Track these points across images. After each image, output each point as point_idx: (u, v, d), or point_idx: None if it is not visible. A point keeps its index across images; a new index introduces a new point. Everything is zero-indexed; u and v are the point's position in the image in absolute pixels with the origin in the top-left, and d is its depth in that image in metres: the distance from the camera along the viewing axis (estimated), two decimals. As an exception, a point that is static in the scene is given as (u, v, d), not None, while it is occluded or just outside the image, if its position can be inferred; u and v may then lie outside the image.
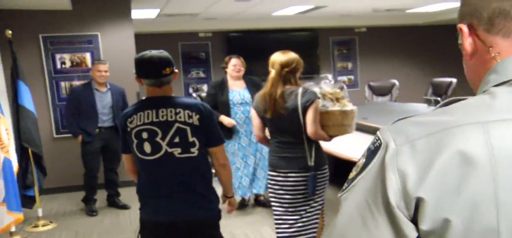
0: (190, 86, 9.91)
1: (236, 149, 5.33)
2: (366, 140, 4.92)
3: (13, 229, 4.90)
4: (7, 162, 4.67)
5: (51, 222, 5.42)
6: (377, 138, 0.84)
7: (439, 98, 7.83)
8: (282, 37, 9.91)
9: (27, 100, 5.18)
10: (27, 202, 5.20)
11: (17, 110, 5.10)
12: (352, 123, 3.53)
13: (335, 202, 3.42)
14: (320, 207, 3.57)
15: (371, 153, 0.84)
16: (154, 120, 2.57)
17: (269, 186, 3.63)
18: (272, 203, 3.65)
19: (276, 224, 3.66)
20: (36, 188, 5.20)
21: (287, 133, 3.46)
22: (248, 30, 9.85)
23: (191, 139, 2.58)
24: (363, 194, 0.81)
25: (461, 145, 0.75)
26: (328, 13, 9.11)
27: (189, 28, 9.54)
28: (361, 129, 5.22)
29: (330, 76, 3.84)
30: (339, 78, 10.53)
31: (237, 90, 5.31)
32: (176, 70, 2.69)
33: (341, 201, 0.86)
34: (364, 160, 0.85)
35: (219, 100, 5.27)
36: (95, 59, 6.56)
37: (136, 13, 7.67)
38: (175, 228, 2.65)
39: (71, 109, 5.61)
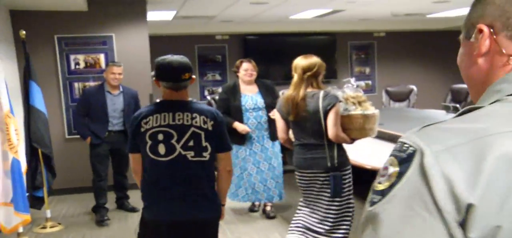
0: (205, 88, 9.87)
1: (248, 155, 5.24)
2: (380, 147, 4.81)
3: (21, 230, 4.89)
4: (15, 163, 4.66)
5: (59, 224, 5.40)
6: (407, 144, 0.81)
7: (458, 105, 7.64)
8: (300, 41, 9.84)
9: (38, 100, 5.17)
10: (36, 203, 5.20)
11: (28, 110, 5.10)
12: (374, 126, 3.64)
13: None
14: (346, 207, 3.66)
15: (405, 160, 0.80)
16: (171, 122, 2.67)
17: (298, 184, 3.81)
18: (300, 201, 3.87)
19: (302, 221, 3.82)
20: (45, 189, 5.19)
21: (309, 135, 3.60)
22: (265, 33, 9.80)
23: (204, 144, 2.69)
24: (407, 203, 0.77)
25: (503, 150, 0.74)
26: (346, 17, 9.00)
27: (205, 31, 9.51)
28: (376, 135, 5.09)
29: (352, 80, 3.95)
30: (356, 83, 10.37)
31: (250, 95, 5.20)
32: (194, 76, 2.79)
33: (376, 214, 0.81)
34: (397, 168, 0.81)
35: (231, 105, 5.17)
36: (109, 60, 6.56)
37: (152, 15, 7.66)
38: (178, 227, 2.74)
39: (80, 110, 5.54)
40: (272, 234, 4.95)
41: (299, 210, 3.88)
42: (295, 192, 6.26)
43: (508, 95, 0.84)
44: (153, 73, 2.82)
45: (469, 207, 0.72)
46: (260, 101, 5.17)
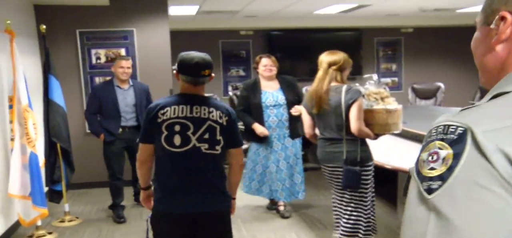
0: (229, 84, 9.82)
1: (269, 153, 5.14)
2: (403, 146, 4.66)
3: (39, 223, 4.93)
4: (33, 157, 4.70)
5: (77, 218, 5.42)
6: (454, 126, 0.81)
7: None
8: (325, 37, 9.71)
9: (58, 95, 5.18)
10: (55, 196, 5.22)
11: (47, 105, 5.11)
12: (398, 121, 3.62)
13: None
14: (360, 203, 3.66)
15: (456, 141, 0.79)
16: (188, 115, 2.74)
17: (324, 177, 3.87)
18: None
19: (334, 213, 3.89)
20: (63, 183, 5.20)
21: (330, 129, 3.63)
22: (290, 28, 9.68)
23: (218, 137, 2.77)
24: (476, 182, 0.75)
25: None
26: (373, 13, 8.82)
27: (230, 26, 9.45)
28: (398, 134, 4.93)
29: (375, 76, 3.90)
30: (382, 80, 10.17)
31: (270, 92, 5.08)
32: (213, 74, 2.87)
33: (439, 201, 0.77)
34: (450, 150, 0.79)
35: (251, 102, 5.08)
36: (130, 55, 6.57)
37: (175, 10, 7.64)
38: (190, 219, 2.78)
39: (92, 108, 5.39)
40: (289, 233, 4.85)
41: (332, 203, 3.92)
42: (314, 190, 6.17)
43: None
44: (175, 66, 2.85)
45: None
46: (281, 98, 5.06)
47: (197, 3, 7.27)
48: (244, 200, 5.73)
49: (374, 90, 3.65)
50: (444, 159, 0.79)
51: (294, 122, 5.04)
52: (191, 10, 7.88)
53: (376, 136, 3.62)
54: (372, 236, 3.77)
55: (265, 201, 5.60)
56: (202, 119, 2.74)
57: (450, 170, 0.77)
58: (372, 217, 3.75)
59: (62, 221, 5.30)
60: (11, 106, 4.81)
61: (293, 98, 5.03)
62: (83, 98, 6.58)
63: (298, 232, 4.86)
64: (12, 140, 4.74)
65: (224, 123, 2.77)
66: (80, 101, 6.60)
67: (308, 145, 5.82)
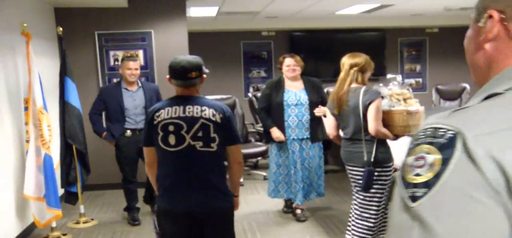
0: (250, 85, 9.75)
1: (289, 154, 5.03)
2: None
3: (54, 224, 4.94)
4: (48, 159, 4.72)
5: (92, 220, 5.43)
6: (443, 129, 0.76)
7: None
8: (348, 37, 9.59)
9: (73, 97, 5.18)
10: (70, 198, 5.23)
11: (63, 107, 5.12)
12: (419, 123, 3.58)
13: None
14: (368, 205, 3.64)
15: (446, 146, 0.74)
16: (181, 115, 2.83)
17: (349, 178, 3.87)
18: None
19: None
20: (78, 185, 5.21)
21: (349, 129, 3.67)
22: (312, 29, 9.57)
23: (212, 135, 2.83)
24: (463, 190, 0.71)
25: None
26: (396, 13, 8.64)
27: (251, 27, 9.39)
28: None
29: (399, 77, 3.92)
30: (406, 80, 9.96)
31: (294, 91, 4.99)
32: (204, 75, 2.96)
33: (424, 209, 0.73)
34: (438, 155, 0.74)
35: (273, 101, 5.01)
36: (148, 57, 6.57)
37: (195, 11, 7.63)
38: (191, 217, 2.85)
39: (95, 109, 5.25)
40: (304, 236, 4.75)
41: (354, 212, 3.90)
42: (332, 193, 6.05)
43: None
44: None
45: None
46: (304, 98, 4.96)
47: (217, 4, 7.23)
48: (260, 203, 5.65)
49: (397, 91, 3.67)
50: (431, 164, 0.74)
51: (315, 124, 4.94)
52: (211, 11, 7.85)
53: (396, 137, 3.58)
54: None
55: (281, 205, 5.51)
56: (195, 117, 2.82)
57: (437, 176, 0.73)
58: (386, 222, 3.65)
59: (77, 223, 5.32)
60: (26, 108, 4.85)
61: (317, 99, 4.92)
62: (100, 100, 6.60)
63: (313, 236, 4.75)
64: (27, 141, 4.77)
65: (218, 120, 2.84)
66: (97, 103, 6.61)
67: (328, 146, 5.73)
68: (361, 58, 3.68)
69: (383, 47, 9.82)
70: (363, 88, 3.58)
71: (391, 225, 0.80)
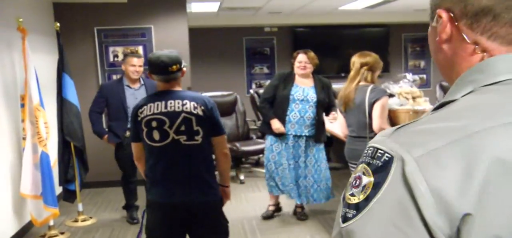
0: (253, 82, 9.66)
1: (283, 149, 4.96)
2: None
3: (51, 223, 4.88)
4: (44, 156, 4.65)
5: (90, 218, 5.36)
6: (381, 151, 0.71)
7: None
8: (352, 33, 9.49)
9: (71, 93, 5.11)
10: (68, 196, 5.17)
11: (61, 103, 5.04)
12: None
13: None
14: None
15: (380, 169, 0.70)
16: (163, 110, 2.85)
17: None
18: None
19: None
20: (76, 183, 5.14)
21: (354, 126, 3.74)
22: (315, 25, 9.47)
23: (195, 128, 2.85)
24: (388, 218, 0.67)
25: (495, 151, 0.65)
26: (400, 8, 8.52)
27: (253, 23, 9.29)
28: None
29: (409, 75, 4.10)
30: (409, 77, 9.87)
31: (302, 87, 4.86)
32: (184, 69, 2.97)
33: (350, 232, 0.70)
34: (371, 178, 0.70)
35: (279, 93, 4.89)
36: (148, 52, 6.48)
37: (197, 7, 7.54)
38: (177, 209, 2.88)
39: (96, 107, 5.09)
40: (304, 236, 4.67)
41: None
42: (334, 192, 5.93)
43: (482, 86, 0.75)
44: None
45: (465, 216, 0.64)
46: (311, 95, 4.83)
47: (218, 0, 7.15)
48: (261, 201, 5.57)
49: (406, 89, 3.75)
50: (364, 186, 0.71)
51: (321, 125, 4.86)
52: (212, 6, 7.76)
53: None
54: None
55: (282, 203, 5.42)
56: (176, 112, 2.84)
57: (367, 200, 0.69)
58: None
59: (76, 221, 5.25)
60: (23, 105, 4.78)
61: (324, 99, 4.83)
62: (100, 96, 6.53)
63: (313, 235, 4.67)
64: (24, 139, 4.70)
65: (200, 113, 2.85)
66: (97, 99, 6.55)
67: (329, 144, 5.63)
68: (371, 57, 3.75)
69: (387, 43, 9.72)
70: (371, 86, 3.63)
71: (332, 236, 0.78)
